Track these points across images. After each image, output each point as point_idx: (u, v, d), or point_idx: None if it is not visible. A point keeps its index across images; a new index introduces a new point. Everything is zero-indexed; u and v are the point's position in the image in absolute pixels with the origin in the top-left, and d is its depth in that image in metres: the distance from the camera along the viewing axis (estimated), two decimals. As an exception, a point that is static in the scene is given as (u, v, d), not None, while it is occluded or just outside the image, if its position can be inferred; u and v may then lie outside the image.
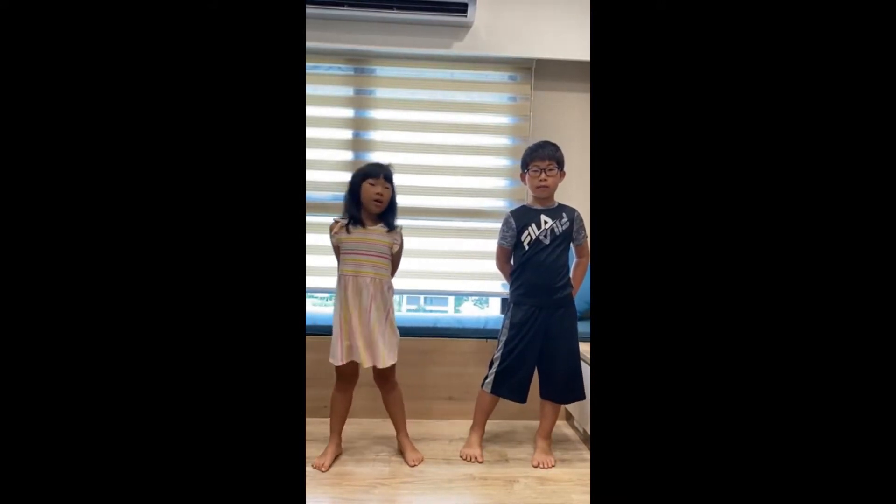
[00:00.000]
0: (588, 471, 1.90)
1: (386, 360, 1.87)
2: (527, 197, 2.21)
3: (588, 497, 1.70)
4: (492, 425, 2.14)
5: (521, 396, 1.99)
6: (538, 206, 2.01)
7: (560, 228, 1.97)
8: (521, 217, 2.00)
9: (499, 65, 2.83)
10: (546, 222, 1.97)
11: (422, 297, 3.29)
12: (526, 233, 1.97)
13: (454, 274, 2.84)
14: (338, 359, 1.87)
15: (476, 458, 1.97)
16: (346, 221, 1.90)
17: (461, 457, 1.99)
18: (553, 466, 1.94)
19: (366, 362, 1.86)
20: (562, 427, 2.35)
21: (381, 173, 1.88)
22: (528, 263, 1.97)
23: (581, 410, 2.20)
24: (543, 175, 1.95)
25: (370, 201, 1.87)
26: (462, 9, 2.50)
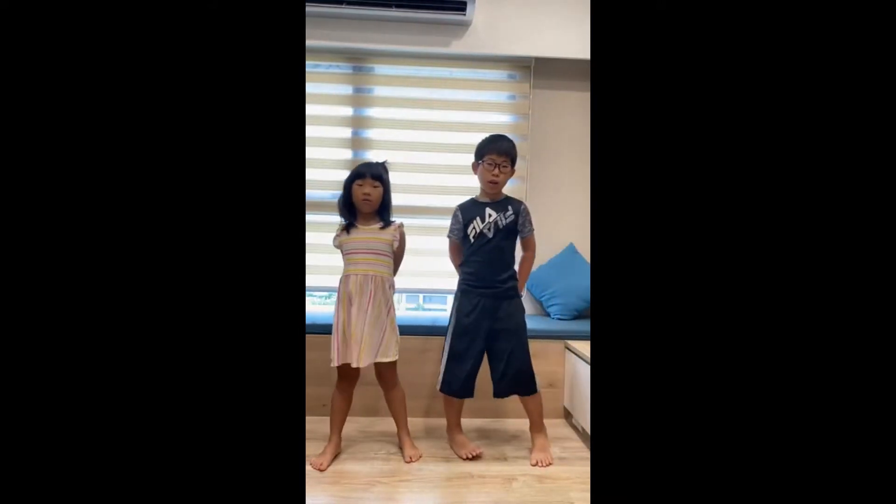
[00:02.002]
0: (586, 468, 1.91)
1: (387, 354, 1.90)
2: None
3: (586, 495, 1.70)
4: (490, 423, 2.14)
5: (467, 391, 1.99)
6: (485, 200, 2.04)
7: (504, 222, 1.98)
8: (468, 211, 2.04)
9: (498, 63, 2.82)
10: (490, 215, 1.99)
11: (420, 295, 3.30)
12: (471, 226, 2.00)
13: (453, 273, 2.81)
14: (334, 359, 1.89)
15: (473, 451, 1.96)
16: (345, 224, 1.96)
17: (460, 456, 1.98)
18: (551, 464, 1.94)
19: (362, 362, 1.86)
20: (560, 425, 2.35)
21: (368, 173, 1.93)
22: (474, 256, 2.01)
23: (579, 409, 2.21)
24: (497, 170, 1.96)
25: (359, 202, 1.93)
26: (461, 7, 2.50)
